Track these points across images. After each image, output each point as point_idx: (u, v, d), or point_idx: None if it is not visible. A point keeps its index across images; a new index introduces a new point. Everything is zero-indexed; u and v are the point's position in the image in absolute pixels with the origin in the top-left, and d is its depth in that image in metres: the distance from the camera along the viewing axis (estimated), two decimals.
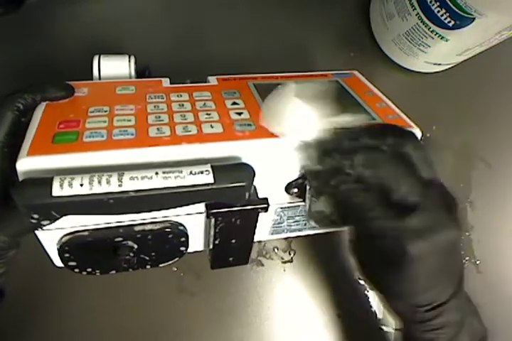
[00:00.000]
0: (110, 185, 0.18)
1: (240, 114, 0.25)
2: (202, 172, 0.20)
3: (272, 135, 0.23)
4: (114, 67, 0.29)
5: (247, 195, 0.21)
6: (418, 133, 0.26)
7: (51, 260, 0.25)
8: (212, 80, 0.29)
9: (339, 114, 0.26)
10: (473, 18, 0.30)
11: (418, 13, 0.33)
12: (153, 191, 0.19)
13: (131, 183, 0.19)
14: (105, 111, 0.24)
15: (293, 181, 0.25)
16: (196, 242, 0.27)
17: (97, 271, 0.24)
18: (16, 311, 0.32)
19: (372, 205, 0.21)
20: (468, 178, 0.41)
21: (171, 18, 0.39)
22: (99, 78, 0.28)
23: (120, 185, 0.18)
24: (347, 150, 0.21)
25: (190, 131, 0.22)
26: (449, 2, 0.30)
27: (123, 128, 0.22)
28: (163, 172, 0.19)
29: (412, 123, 0.26)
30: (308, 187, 0.24)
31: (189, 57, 0.38)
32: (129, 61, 0.29)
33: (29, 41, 0.38)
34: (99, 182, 0.18)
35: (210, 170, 0.20)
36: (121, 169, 0.19)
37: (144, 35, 0.38)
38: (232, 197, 0.21)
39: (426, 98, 0.42)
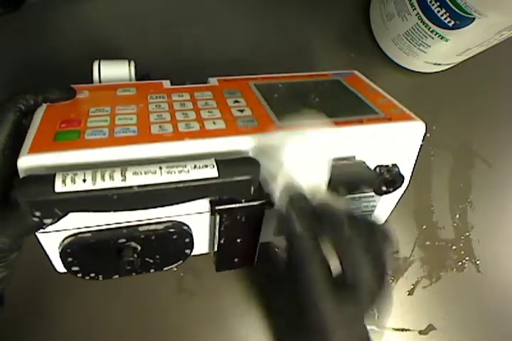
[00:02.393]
0: (113, 180, 0.18)
1: (242, 111, 0.25)
2: (206, 166, 0.19)
3: (277, 129, 0.23)
4: (115, 72, 0.28)
5: (252, 189, 0.21)
6: (422, 126, 0.25)
7: (53, 266, 0.24)
8: (213, 81, 0.29)
9: (343, 112, 0.26)
10: (473, 18, 0.30)
11: (418, 13, 0.33)
12: (157, 186, 0.18)
13: (135, 178, 0.18)
14: (106, 111, 0.24)
15: None
16: (201, 244, 0.26)
17: (100, 276, 0.24)
18: (16, 318, 0.32)
19: (319, 280, 0.20)
20: (468, 178, 0.41)
21: (170, 20, 0.39)
22: (100, 83, 0.28)
23: (124, 180, 0.18)
24: (332, 218, 0.21)
25: (192, 128, 0.22)
26: (449, 2, 0.30)
27: (125, 126, 0.22)
28: (167, 167, 0.19)
29: (416, 117, 0.26)
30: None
31: (189, 59, 0.38)
32: (129, 66, 0.29)
33: (28, 41, 0.38)
34: (103, 177, 0.18)
35: (214, 164, 0.19)
36: (124, 165, 0.19)
37: (144, 38, 0.38)
38: (237, 191, 0.21)
39: (426, 98, 0.42)
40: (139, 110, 0.24)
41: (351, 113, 0.25)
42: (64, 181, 0.18)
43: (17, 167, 0.20)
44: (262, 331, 0.36)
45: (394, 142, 0.25)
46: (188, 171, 0.19)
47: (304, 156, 0.24)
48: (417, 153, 0.27)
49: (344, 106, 0.27)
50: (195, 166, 0.19)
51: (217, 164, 0.20)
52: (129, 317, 0.34)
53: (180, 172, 0.19)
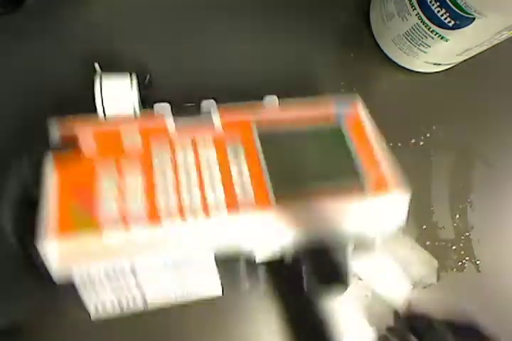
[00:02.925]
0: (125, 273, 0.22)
1: (241, 174, 0.26)
2: (207, 273, 0.24)
3: (271, 207, 0.25)
4: (116, 86, 0.30)
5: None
6: (406, 198, 0.27)
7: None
8: (216, 118, 0.29)
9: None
10: (473, 18, 0.30)
11: (418, 13, 0.33)
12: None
13: (145, 276, 0.23)
14: (114, 175, 0.25)
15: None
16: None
17: None
18: None
19: None
20: (469, 178, 0.41)
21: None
22: (102, 99, 0.29)
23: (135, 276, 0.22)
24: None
25: (196, 204, 0.24)
26: (449, 2, 0.30)
27: (133, 201, 0.24)
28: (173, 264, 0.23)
29: (401, 184, 0.27)
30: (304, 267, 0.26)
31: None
32: (131, 80, 0.30)
33: (28, 41, 0.38)
34: (116, 275, 0.22)
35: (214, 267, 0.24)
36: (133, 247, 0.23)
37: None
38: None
39: (426, 98, 0.42)
40: (145, 174, 0.25)
41: (336, 180, 0.27)
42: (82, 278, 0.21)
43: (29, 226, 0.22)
44: (262, 330, 0.36)
45: (376, 214, 0.27)
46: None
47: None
48: (403, 221, 0.27)
49: (333, 170, 0.28)
50: (197, 272, 0.23)
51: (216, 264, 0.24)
52: (130, 320, 0.34)
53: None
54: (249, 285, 0.25)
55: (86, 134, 0.27)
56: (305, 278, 0.26)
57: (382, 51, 0.41)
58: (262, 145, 0.28)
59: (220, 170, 0.26)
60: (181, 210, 0.24)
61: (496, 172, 0.41)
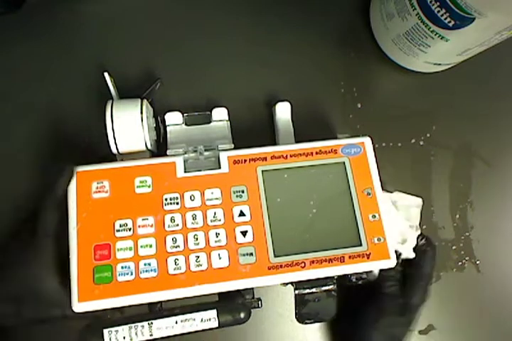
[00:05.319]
0: (144, 335, 0.26)
1: (244, 234, 0.29)
2: (210, 320, 0.27)
3: (270, 269, 0.28)
4: (127, 110, 0.31)
5: (244, 320, 0.28)
6: (393, 263, 0.29)
7: None
8: (224, 159, 0.30)
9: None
10: (473, 18, 0.30)
11: (418, 13, 0.33)
12: (174, 333, 0.27)
13: (159, 332, 0.26)
14: (129, 229, 0.28)
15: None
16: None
17: None
18: None
19: None
20: (468, 178, 0.41)
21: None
22: (112, 123, 0.30)
23: (151, 335, 0.26)
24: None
25: (201, 266, 0.28)
26: (449, 2, 0.30)
27: (147, 260, 0.28)
28: (182, 321, 0.27)
29: (393, 252, 0.29)
30: (296, 292, 0.30)
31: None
32: (141, 105, 0.31)
33: (28, 41, 0.38)
34: (136, 333, 0.26)
35: (216, 317, 0.27)
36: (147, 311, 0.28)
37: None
38: (232, 324, 0.28)
39: (426, 98, 0.42)
40: (156, 228, 0.28)
41: (337, 242, 0.29)
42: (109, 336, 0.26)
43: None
44: (262, 330, 0.36)
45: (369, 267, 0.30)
46: (197, 325, 0.27)
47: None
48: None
49: (336, 234, 0.30)
50: (201, 319, 0.27)
51: (218, 316, 0.27)
52: None
53: (191, 325, 0.27)
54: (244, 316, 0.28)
55: (101, 175, 0.29)
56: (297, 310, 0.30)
57: (382, 51, 0.41)
58: (264, 189, 0.30)
59: (225, 228, 0.28)
60: (189, 275, 0.27)
61: (495, 172, 0.41)
